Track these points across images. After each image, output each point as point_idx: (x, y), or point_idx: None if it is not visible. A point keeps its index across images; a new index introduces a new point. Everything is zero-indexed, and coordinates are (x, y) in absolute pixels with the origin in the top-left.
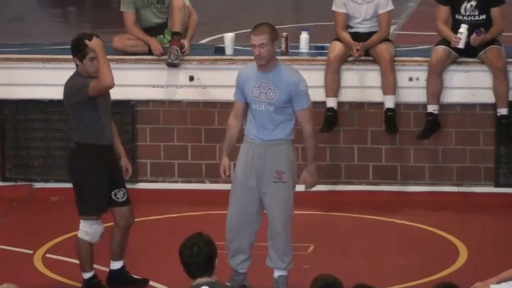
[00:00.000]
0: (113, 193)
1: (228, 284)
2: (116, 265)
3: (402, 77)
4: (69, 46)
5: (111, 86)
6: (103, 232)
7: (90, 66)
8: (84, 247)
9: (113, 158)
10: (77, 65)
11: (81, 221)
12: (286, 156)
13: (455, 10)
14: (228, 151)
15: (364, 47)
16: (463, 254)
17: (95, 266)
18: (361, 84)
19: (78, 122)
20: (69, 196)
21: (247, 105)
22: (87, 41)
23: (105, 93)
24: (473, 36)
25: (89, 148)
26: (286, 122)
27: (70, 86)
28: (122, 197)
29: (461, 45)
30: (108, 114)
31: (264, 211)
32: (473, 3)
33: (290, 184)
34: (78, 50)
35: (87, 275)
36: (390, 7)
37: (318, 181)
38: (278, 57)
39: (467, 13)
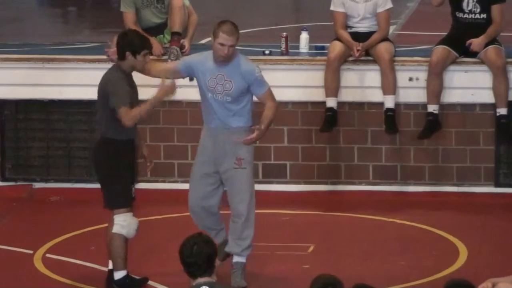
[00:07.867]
0: None
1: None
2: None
3: (402, 77)
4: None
5: (127, 127)
6: (138, 226)
7: (141, 62)
8: (119, 243)
9: (134, 152)
10: (121, 59)
11: (114, 216)
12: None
13: (457, 7)
14: None
15: (364, 47)
16: (463, 254)
17: (95, 266)
18: (361, 84)
19: (109, 117)
20: (69, 196)
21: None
22: (165, 83)
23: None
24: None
25: (117, 142)
26: (243, 110)
27: (112, 81)
28: (134, 193)
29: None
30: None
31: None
32: None
33: (250, 168)
34: (136, 45)
35: (119, 274)
36: (389, 5)
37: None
38: (278, 57)
39: (469, 8)
